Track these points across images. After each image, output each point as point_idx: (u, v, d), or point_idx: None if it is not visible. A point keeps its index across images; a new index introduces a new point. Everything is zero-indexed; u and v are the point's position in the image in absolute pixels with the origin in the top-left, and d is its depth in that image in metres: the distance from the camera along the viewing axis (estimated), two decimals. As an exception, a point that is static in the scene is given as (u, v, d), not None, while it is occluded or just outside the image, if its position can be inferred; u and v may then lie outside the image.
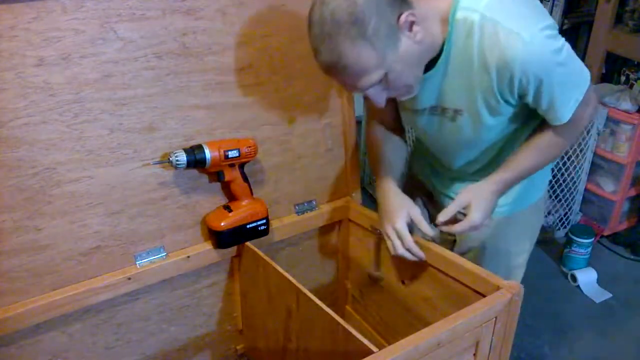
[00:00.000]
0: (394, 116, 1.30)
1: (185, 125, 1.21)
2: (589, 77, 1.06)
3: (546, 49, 0.98)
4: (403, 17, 0.95)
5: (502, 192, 1.15)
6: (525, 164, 1.15)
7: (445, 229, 1.14)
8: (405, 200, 1.22)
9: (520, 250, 1.35)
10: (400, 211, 1.20)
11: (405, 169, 1.34)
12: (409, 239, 1.19)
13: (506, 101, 1.07)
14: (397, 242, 1.20)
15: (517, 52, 0.96)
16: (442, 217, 1.13)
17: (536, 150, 1.14)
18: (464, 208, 1.13)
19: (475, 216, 1.11)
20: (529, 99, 1.05)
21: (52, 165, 1.08)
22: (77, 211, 1.12)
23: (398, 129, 1.32)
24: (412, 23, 0.96)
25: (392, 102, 1.24)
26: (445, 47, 1.04)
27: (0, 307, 1.09)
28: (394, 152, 1.31)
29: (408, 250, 1.20)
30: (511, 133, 1.18)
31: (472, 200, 1.12)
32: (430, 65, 1.06)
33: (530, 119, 1.16)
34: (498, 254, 1.32)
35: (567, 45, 1.02)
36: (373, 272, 1.43)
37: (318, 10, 0.94)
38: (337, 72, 0.98)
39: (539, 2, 1.05)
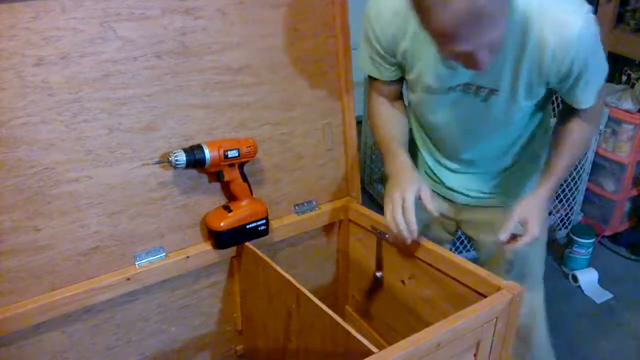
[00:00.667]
0: (398, 96, 1.30)
1: (185, 125, 1.20)
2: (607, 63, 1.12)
3: (593, 31, 1.03)
4: None
5: (550, 197, 1.21)
6: (564, 164, 1.21)
7: (507, 247, 1.15)
8: (419, 177, 1.23)
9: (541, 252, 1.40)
10: (413, 185, 1.19)
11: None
12: (412, 211, 1.17)
13: (547, 83, 1.10)
14: (399, 210, 1.18)
15: (576, 33, 1.00)
16: (502, 236, 1.14)
17: (569, 147, 1.20)
18: (518, 222, 1.15)
19: (535, 230, 1.14)
20: (569, 82, 1.09)
21: (52, 165, 1.07)
22: (76, 211, 1.12)
23: (404, 107, 1.33)
24: None
25: (397, 83, 1.26)
26: None
27: (0, 307, 1.09)
28: (403, 129, 1.31)
29: (405, 222, 1.18)
30: (526, 122, 1.22)
31: (527, 216, 1.14)
32: None
33: (543, 111, 1.22)
34: (525, 263, 1.35)
35: None
36: (377, 274, 1.43)
37: None
38: (466, 22, 0.88)
39: None
